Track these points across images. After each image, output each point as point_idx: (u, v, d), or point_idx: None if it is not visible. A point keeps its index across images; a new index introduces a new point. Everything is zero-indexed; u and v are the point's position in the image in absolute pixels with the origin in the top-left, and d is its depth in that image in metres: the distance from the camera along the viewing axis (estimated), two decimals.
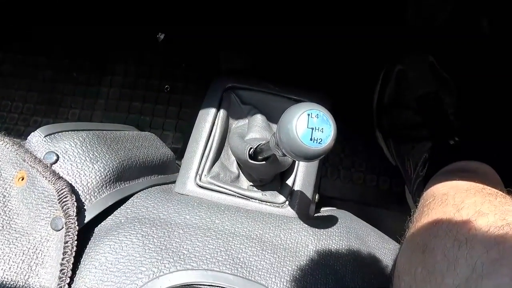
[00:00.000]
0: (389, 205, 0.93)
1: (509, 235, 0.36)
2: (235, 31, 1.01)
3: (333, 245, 0.52)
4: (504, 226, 0.37)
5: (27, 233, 0.44)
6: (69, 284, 0.42)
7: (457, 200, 0.47)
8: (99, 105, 1.06)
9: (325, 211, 0.70)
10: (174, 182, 0.65)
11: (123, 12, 1.07)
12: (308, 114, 0.39)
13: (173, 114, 1.03)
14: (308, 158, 0.40)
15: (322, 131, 0.39)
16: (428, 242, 0.43)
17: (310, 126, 0.38)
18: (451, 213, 0.44)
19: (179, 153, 0.84)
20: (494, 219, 0.39)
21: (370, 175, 0.96)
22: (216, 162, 0.65)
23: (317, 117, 0.39)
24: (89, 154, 0.50)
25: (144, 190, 0.56)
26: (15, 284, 0.42)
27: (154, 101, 1.04)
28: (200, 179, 0.62)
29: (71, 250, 0.42)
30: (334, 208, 0.72)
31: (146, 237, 0.46)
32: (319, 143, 0.39)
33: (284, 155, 0.42)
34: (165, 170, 0.68)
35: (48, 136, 0.50)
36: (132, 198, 0.53)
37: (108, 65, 1.08)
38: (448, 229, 0.42)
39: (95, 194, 0.48)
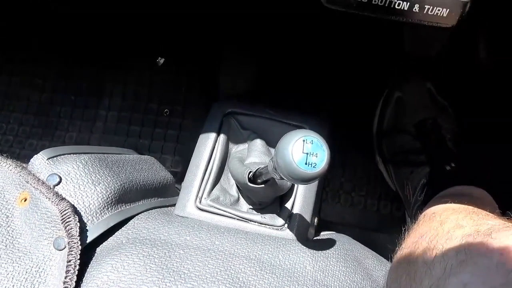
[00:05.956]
0: (390, 230, 0.93)
1: (477, 240, 0.39)
2: (234, 56, 1.03)
3: (331, 267, 0.52)
4: (474, 233, 0.41)
5: (30, 252, 0.45)
6: None
7: (443, 217, 0.50)
8: (97, 128, 1.05)
9: (325, 235, 0.70)
10: (173, 205, 0.65)
11: (123, 38, 1.09)
12: (304, 140, 0.41)
13: (172, 137, 1.03)
14: (304, 181, 0.42)
15: (317, 156, 0.41)
16: (413, 253, 0.46)
17: (305, 151, 0.41)
18: (434, 227, 0.48)
19: (179, 176, 0.84)
20: (469, 230, 0.43)
21: (371, 200, 0.96)
22: (216, 186, 0.66)
23: (312, 143, 0.41)
24: (91, 177, 0.51)
25: (145, 212, 0.57)
26: None
27: (152, 125, 1.04)
28: (200, 202, 0.63)
29: (73, 269, 0.43)
30: (334, 232, 0.72)
31: (147, 257, 0.46)
32: (313, 167, 0.41)
33: (281, 178, 0.44)
34: (164, 193, 0.68)
35: (50, 159, 0.51)
36: (133, 219, 0.54)
37: (107, 88, 1.08)
38: (430, 240, 0.45)
39: (97, 215, 0.49)
